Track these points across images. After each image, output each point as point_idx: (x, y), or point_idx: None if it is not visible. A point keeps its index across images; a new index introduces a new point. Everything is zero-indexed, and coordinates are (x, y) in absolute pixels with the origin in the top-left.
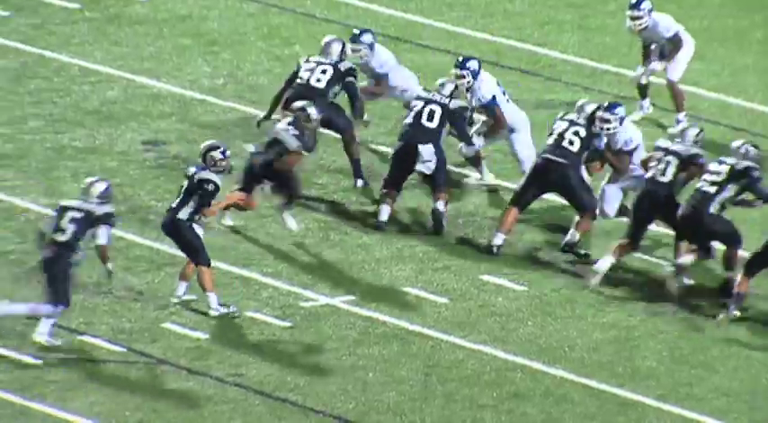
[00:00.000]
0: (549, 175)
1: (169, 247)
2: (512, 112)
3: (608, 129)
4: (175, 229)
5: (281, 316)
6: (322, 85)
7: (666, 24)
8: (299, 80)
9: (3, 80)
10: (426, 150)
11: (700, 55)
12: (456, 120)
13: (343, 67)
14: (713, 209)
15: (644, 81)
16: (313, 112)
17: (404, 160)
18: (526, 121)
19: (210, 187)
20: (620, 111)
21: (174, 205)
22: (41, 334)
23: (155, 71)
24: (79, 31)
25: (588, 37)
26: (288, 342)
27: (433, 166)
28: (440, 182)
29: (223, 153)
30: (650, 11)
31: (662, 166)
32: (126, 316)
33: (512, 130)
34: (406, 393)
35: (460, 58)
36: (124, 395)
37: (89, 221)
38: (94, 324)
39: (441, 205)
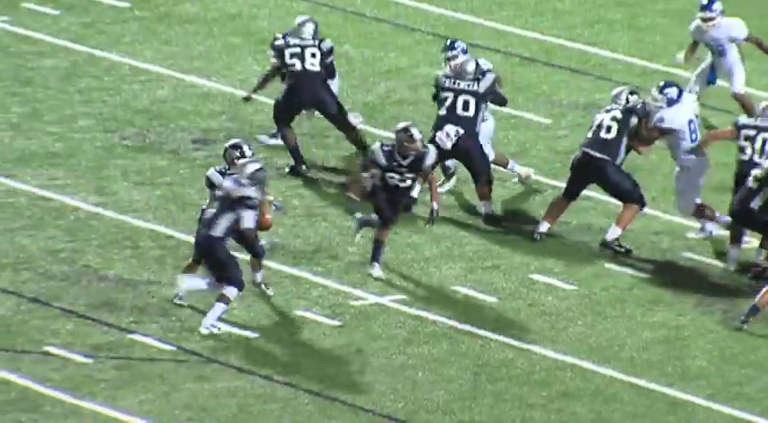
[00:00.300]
0: (587, 168)
1: None
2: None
3: (654, 105)
4: None
5: (331, 315)
6: (317, 68)
7: (738, 27)
8: (292, 67)
9: (53, 79)
10: (450, 128)
11: (750, 54)
12: (489, 96)
13: (324, 46)
14: (756, 205)
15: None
16: (415, 132)
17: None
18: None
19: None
20: (671, 92)
21: None
22: (207, 326)
23: (205, 70)
24: (129, 30)
25: (638, 36)
26: (337, 341)
27: (448, 142)
28: (481, 180)
29: (242, 153)
30: (722, 12)
31: (758, 144)
32: (176, 314)
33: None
34: (456, 392)
35: (448, 41)
36: (174, 394)
37: (227, 202)
38: (144, 323)
39: (487, 207)
